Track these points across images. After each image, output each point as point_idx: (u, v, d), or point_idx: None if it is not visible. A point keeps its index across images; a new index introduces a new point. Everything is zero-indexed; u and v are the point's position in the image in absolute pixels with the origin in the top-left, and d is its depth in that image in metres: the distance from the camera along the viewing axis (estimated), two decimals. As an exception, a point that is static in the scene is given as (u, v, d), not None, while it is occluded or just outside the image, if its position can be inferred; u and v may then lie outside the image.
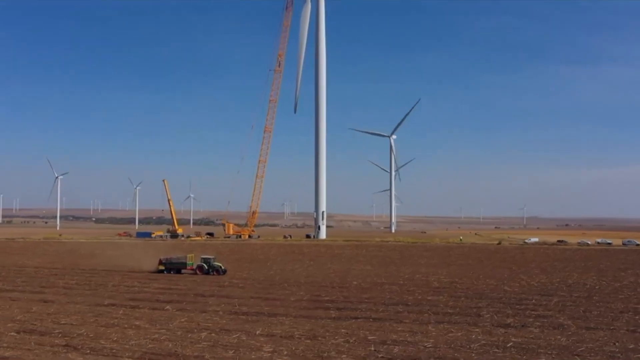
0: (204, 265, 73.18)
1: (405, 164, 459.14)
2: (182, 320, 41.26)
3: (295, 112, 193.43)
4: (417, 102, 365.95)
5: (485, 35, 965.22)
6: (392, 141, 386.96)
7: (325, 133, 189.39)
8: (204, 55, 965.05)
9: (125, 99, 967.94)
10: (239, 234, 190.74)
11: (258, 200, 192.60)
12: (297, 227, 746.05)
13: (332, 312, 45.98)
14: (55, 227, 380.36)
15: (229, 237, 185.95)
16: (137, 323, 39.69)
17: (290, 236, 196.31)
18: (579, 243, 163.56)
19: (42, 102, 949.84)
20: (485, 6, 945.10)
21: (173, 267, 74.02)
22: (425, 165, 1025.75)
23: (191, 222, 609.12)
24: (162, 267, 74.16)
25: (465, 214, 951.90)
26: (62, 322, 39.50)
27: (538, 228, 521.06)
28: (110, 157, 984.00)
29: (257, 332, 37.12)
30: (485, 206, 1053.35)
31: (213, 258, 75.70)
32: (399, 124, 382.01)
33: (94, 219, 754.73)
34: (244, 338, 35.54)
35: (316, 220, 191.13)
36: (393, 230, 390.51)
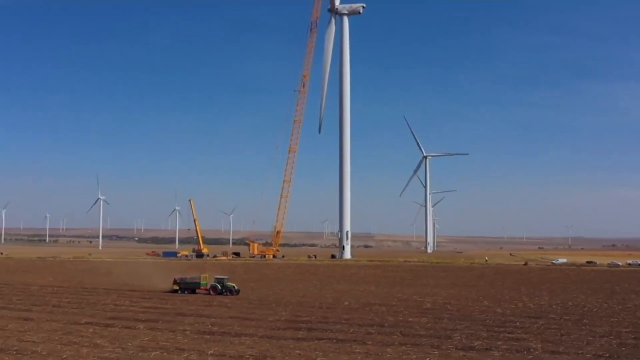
0: (218, 285, 73.24)
1: (446, 192, 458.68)
2: (145, 339, 41.78)
3: (319, 132, 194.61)
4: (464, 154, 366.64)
5: (525, 53, 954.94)
6: (427, 161, 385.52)
7: (349, 153, 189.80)
8: (235, 75, 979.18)
9: (171, 119, 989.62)
10: (264, 253, 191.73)
11: (282, 220, 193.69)
12: (337, 247, 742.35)
13: (300, 332, 45.86)
14: (97, 247, 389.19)
15: (253, 257, 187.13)
16: (98, 341, 40.39)
17: (315, 256, 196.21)
18: (608, 264, 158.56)
19: (90, 123, 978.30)
20: (524, 24, 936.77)
21: (187, 287, 74.31)
22: (468, 185, 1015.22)
23: (230, 241, 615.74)
24: (176, 287, 74.48)
25: (508, 234, 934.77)
26: (26, 340, 40.49)
27: (582, 248, 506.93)
28: (153, 176, 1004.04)
29: (210, 352, 37.35)
30: (529, 226, 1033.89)
31: (226, 278, 75.74)
32: (441, 155, 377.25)
33: (136, 239, 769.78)
34: (193, 358, 35.84)
35: (340, 240, 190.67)
36: (429, 251, 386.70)
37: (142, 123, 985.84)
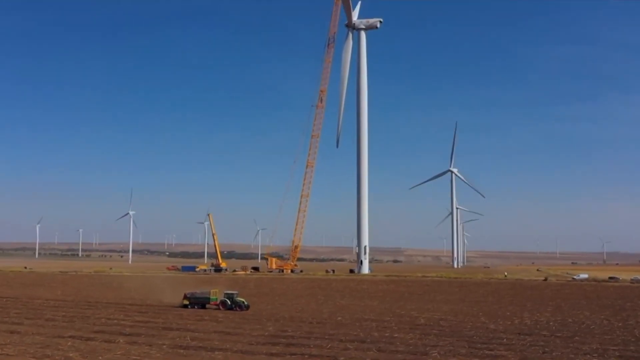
0: (227, 300, 73.05)
1: (473, 213, 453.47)
2: (118, 353, 42.14)
3: (337, 146, 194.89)
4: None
5: (558, 65, 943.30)
6: (453, 175, 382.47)
7: (367, 168, 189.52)
8: (256, 90, 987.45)
9: (204, 136, 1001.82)
10: (282, 268, 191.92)
11: (300, 234, 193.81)
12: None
13: (277, 347, 45.73)
14: (127, 261, 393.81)
15: (271, 272, 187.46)
16: (71, 355, 40.91)
17: (333, 271, 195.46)
18: (631, 280, 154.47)
19: (123, 140, 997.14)
20: (555, 35, 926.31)
21: (197, 302, 74.28)
22: (501, 199, 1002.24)
23: (259, 256, 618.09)
24: (186, 302, 74.48)
25: (542, 249, 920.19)
26: (1, 353, 41.26)
27: (617, 264, 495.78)
28: (184, 192, 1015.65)
29: (175, 367, 37.61)
30: (564, 242, 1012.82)
31: (236, 293, 75.39)
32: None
33: (167, 253, 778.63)
34: (156, 372, 36.11)
35: (358, 255, 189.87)
36: (456, 266, 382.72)
37: (173, 140, 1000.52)
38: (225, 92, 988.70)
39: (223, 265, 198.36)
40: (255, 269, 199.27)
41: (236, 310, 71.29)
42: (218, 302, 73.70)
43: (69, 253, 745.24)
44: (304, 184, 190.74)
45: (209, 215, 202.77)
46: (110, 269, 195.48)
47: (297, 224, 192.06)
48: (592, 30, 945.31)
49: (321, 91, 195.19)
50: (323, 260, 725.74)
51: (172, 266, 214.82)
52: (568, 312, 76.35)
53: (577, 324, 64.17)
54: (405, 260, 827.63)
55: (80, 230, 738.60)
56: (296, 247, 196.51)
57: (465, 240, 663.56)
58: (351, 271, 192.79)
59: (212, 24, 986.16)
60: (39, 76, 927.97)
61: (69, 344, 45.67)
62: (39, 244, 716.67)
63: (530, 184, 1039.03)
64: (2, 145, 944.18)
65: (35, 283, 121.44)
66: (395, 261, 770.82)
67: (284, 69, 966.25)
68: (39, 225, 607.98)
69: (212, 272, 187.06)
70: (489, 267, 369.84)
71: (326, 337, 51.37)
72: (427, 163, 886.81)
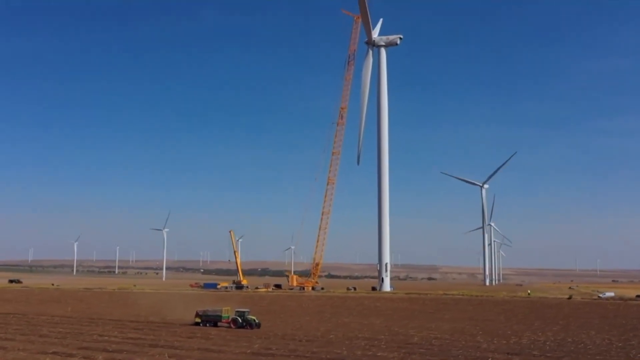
0: (238, 319, 72.86)
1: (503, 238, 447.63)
2: (89, 369, 42.82)
3: (358, 163, 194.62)
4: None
5: (592, 78, 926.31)
6: (483, 191, 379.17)
7: (387, 185, 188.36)
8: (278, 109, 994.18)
9: (238, 154, 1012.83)
10: (303, 285, 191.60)
11: (321, 252, 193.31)
12: (400, 279, 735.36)
13: (251, 365, 45.85)
14: (162, 278, 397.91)
15: (292, 289, 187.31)
16: (42, 371, 41.70)
17: (355, 288, 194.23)
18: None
19: (160, 159, 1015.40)
20: (592, 48, 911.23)
21: (209, 320, 74.38)
22: (540, 216, 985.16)
23: (292, 272, 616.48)
24: (198, 320, 74.74)
25: (581, 266, 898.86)
26: (-24, 368, 42.28)
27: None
28: (218, 209, 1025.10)
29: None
30: (605, 259, 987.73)
31: (247, 311, 75.03)
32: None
33: (201, 270, 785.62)
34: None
35: (379, 272, 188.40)
36: (488, 283, 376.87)
37: (207, 158, 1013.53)
38: (256, 111, 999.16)
39: (244, 282, 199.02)
40: (278, 286, 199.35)
41: (247, 328, 70.97)
42: (229, 319, 73.86)
43: (106, 270, 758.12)
44: (324, 201, 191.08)
45: (230, 232, 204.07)
46: (134, 285, 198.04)
47: (317, 242, 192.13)
48: (629, 42, 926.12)
49: (342, 108, 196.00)
50: (356, 277, 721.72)
51: (195, 283, 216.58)
52: (574, 331, 74.31)
53: (574, 343, 62.41)
54: (439, 277, 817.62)
55: (117, 247, 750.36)
56: (317, 264, 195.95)
57: (501, 258, 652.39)
58: (373, 289, 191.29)
59: (241, 44, 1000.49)
60: (76, 98, 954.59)
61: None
62: (78, 261, 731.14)
63: (570, 199, 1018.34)
64: (42, 165, 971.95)
65: (54, 300, 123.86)
66: (429, 278, 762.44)
67: (310, 86, 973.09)
68: (76, 242, 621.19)
69: (234, 289, 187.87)
70: (521, 285, 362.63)
71: (307, 355, 51.13)
72: (450, 181, 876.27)
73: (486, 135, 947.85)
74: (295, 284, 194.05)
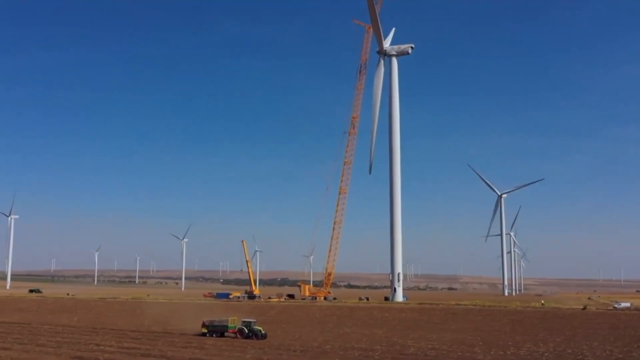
0: (244, 329, 72.97)
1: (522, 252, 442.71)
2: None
3: (370, 173, 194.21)
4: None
5: (616, 85, 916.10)
6: (502, 200, 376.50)
7: (399, 193, 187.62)
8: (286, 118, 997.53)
9: (251, 164, 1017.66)
10: (315, 295, 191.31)
11: (334, 261, 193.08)
12: (419, 289, 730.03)
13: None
14: (181, 288, 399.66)
15: (304, 299, 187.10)
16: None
17: (367, 298, 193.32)
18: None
19: (179, 169, 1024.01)
20: (617, 55, 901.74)
21: (215, 330, 74.56)
22: (562, 225, 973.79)
23: (311, 282, 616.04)
24: (204, 330, 74.91)
25: (604, 276, 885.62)
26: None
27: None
28: (237, 219, 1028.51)
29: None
30: (628, 268, 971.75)
31: (253, 321, 75.16)
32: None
33: (221, 280, 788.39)
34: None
35: (392, 282, 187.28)
36: (506, 293, 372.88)
37: (226, 167, 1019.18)
38: (276, 120, 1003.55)
39: (256, 292, 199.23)
40: (291, 296, 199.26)
41: (253, 338, 70.91)
42: (236, 330, 73.88)
43: (127, 280, 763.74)
44: (336, 211, 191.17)
45: (242, 242, 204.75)
46: (148, 295, 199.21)
47: (330, 251, 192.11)
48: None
49: (353, 117, 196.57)
50: (375, 287, 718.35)
51: (209, 293, 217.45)
52: (577, 342, 73.20)
53: (573, 355, 61.56)
54: (460, 287, 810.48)
55: (137, 257, 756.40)
56: (329, 274, 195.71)
57: (521, 268, 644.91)
58: (386, 299, 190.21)
59: (260, 54, 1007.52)
60: (97, 107, 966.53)
61: (36, 369, 47.10)
62: (99, 271, 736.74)
63: (593, 208, 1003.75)
64: (62, 173, 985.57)
65: (64, 309, 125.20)
66: (450, 289, 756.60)
67: (327, 95, 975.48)
68: (97, 253, 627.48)
69: (246, 299, 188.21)
70: (541, 295, 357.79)
71: (295, 366, 51.24)
72: (470, 189, 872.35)
73: (506, 145, 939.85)
74: (307, 293, 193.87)
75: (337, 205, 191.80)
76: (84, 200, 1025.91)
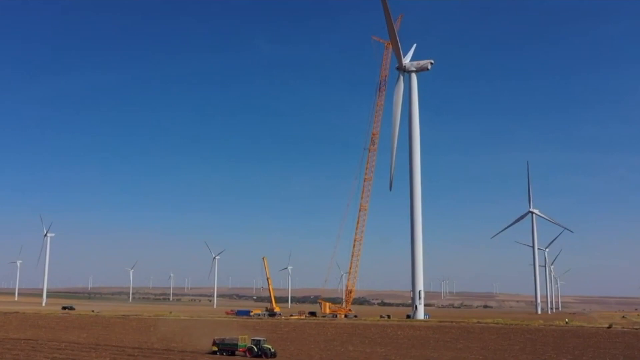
0: (254, 347, 73.10)
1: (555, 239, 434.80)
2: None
3: (390, 189, 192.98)
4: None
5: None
6: (534, 216, 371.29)
7: (420, 210, 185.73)
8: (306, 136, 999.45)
9: (280, 183, 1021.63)
10: (335, 313, 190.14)
11: (354, 279, 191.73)
12: (454, 307, 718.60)
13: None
14: (213, 306, 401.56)
15: (324, 316, 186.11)
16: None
17: (389, 316, 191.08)
18: None
19: (211, 188, 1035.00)
20: None
21: (225, 349, 74.81)
22: (603, 241, 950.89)
23: (343, 302, 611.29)
24: (215, 348, 75.26)
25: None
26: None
27: None
28: (270, 237, 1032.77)
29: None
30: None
31: (263, 340, 75.29)
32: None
33: (254, 298, 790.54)
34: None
35: (413, 299, 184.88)
36: (539, 311, 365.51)
37: (260, 185, 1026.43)
38: (306, 137, 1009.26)
39: (277, 309, 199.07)
40: (312, 314, 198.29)
41: (262, 357, 70.83)
42: (245, 348, 73.79)
43: (161, 297, 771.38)
44: (357, 228, 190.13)
45: (263, 258, 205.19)
46: (170, 312, 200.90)
47: (350, 268, 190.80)
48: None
49: (373, 134, 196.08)
50: (408, 305, 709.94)
51: (231, 310, 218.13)
52: (580, 362, 71.16)
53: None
54: (496, 305, 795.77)
55: (172, 274, 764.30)
56: (350, 291, 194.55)
57: (559, 285, 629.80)
58: (408, 317, 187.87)
59: (291, 73, 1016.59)
60: (129, 126, 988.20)
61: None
62: (135, 288, 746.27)
63: (632, 223, 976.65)
64: (99, 193, 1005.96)
65: (79, 326, 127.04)
66: (485, 306, 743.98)
67: (354, 112, 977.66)
68: (132, 270, 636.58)
69: (266, 316, 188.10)
70: (575, 314, 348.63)
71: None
72: (504, 205, 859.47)
73: (541, 160, 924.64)
74: (327, 311, 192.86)
75: (358, 222, 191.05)
76: (121, 219, 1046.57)
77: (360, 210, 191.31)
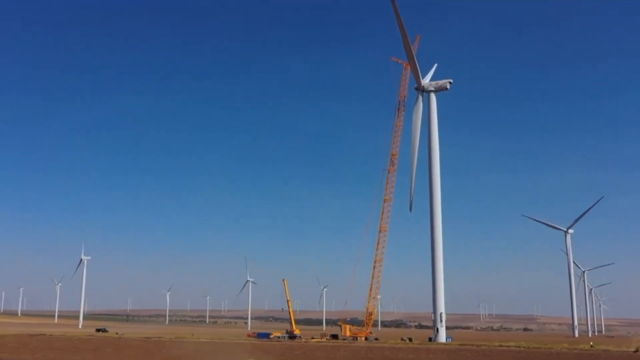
0: None
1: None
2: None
3: (410, 210, 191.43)
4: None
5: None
6: (568, 236, 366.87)
7: (441, 233, 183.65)
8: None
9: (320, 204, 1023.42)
10: (356, 335, 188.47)
11: (376, 300, 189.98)
12: (492, 329, 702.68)
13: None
14: (248, 327, 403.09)
15: (345, 339, 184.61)
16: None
17: (410, 339, 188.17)
18: None
19: (245, 208, 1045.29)
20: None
21: None
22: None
23: (379, 324, 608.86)
24: None
25: None
26: None
27: None
28: (306, 258, 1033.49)
29: None
30: None
31: None
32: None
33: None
34: None
35: (434, 322, 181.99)
36: (577, 334, 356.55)
37: (295, 207, 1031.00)
38: (336, 159, 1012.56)
39: (297, 332, 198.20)
40: (334, 336, 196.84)
41: None
42: None
43: (198, 320, 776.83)
44: (377, 249, 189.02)
45: (284, 280, 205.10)
46: (192, 335, 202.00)
47: (370, 290, 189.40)
48: None
49: (392, 154, 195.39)
50: (447, 327, 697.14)
51: (253, 333, 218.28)
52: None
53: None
54: (537, 328, 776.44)
55: (208, 297, 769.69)
56: (370, 313, 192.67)
57: (601, 308, 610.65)
58: (430, 339, 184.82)
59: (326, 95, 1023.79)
60: (163, 148, 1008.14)
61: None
62: (173, 310, 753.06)
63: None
64: (135, 214, 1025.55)
65: (94, 348, 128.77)
66: (525, 329, 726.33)
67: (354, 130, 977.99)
68: (169, 292, 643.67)
69: (286, 339, 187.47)
70: (612, 337, 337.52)
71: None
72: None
73: (571, 180, 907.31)
74: (348, 334, 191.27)
75: (378, 243, 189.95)
76: (159, 241, 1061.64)
77: (380, 232, 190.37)
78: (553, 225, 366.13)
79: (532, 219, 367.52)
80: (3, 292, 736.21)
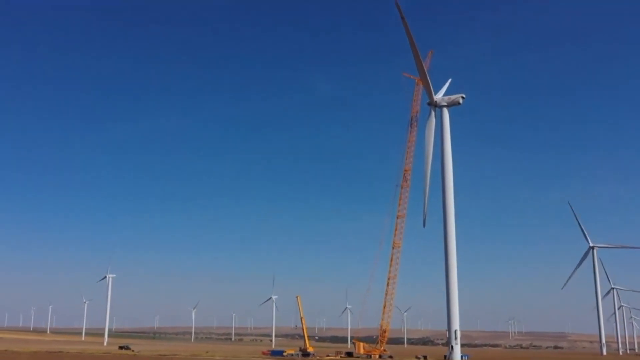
0: None
1: None
2: None
3: (424, 226, 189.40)
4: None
5: None
6: (594, 253, 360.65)
7: (455, 249, 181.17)
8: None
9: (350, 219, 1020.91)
10: (370, 353, 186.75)
11: (389, 317, 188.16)
12: (522, 347, 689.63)
13: None
14: (272, 345, 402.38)
15: (359, 356, 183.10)
16: None
17: (425, 357, 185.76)
18: None
19: (268, 225, 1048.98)
20: None
21: None
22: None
23: (405, 341, 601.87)
24: None
25: None
26: None
27: None
28: (334, 275, 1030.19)
29: None
30: None
31: None
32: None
33: (316, 338, 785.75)
34: None
35: (449, 340, 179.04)
36: (604, 353, 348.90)
37: (320, 225, 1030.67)
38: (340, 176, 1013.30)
39: (310, 349, 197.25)
40: (349, 354, 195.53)
41: None
42: None
43: (224, 337, 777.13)
44: (390, 266, 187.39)
45: (297, 297, 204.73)
46: (206, 352, 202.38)
47: (384, 307, 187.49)
48: None
49: (405, 170, 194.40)
50: (476, 345, 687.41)
51: (267, 350, 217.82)
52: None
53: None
54: (568, 346, 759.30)
55: (234, 314, 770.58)
56: (384, 331, 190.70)
57: (633, 326, 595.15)
58: (445, 357, 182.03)
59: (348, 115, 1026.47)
60: (193, 171, 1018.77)
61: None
62: (199, 328, 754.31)
63: None
64: (159, 233, 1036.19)
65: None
66: (555, 347, 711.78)
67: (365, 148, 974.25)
68: (194, 310, 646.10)
69: (300, 356, 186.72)
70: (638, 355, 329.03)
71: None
72: (568, 244, 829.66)
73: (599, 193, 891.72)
74: (362, 351, 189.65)
75: (391, 260, 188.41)
76: (186, 259, 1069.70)
77: (393, 248, 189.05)
78: (584, 229, 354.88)
79: (573, 212, 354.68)
80: (33, 310, 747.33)
